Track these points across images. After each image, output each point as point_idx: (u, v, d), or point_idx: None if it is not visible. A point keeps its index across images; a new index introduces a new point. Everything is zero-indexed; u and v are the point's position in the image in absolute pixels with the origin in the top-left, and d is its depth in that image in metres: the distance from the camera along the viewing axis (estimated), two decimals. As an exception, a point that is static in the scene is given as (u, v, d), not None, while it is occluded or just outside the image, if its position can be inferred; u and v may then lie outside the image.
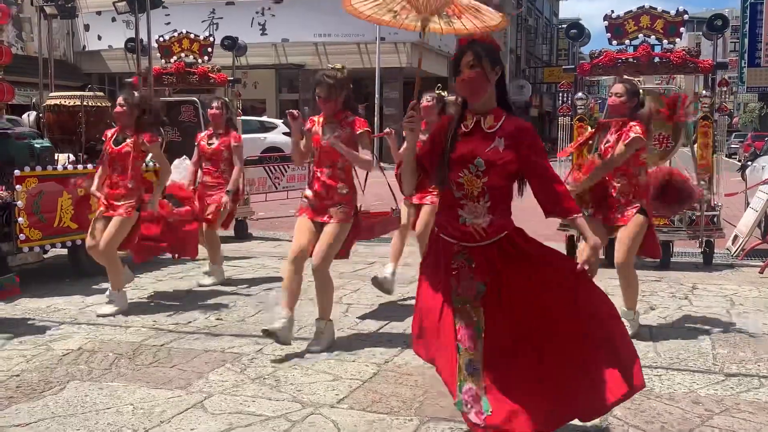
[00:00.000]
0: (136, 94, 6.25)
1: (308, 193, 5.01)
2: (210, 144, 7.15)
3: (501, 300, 3.20)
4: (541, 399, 3.14)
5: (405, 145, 3.39)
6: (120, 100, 6.04)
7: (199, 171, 7.27)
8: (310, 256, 4.89)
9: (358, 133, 4.91)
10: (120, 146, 5.99)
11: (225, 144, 7.11)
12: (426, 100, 6.13)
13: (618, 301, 5.65)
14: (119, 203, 5.95)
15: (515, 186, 3.31)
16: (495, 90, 3.27)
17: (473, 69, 3.20)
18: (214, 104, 7.26)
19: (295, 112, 4.91)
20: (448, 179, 3.27)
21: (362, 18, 3.97)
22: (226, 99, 8.14)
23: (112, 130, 6.20)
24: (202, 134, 7.36)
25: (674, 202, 5.74)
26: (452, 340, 3.25)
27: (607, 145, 5.27)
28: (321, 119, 5.02)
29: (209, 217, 6.91)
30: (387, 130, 6.19)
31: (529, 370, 3.17)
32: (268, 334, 4.69)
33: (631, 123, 5.11)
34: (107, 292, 6.04)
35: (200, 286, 7.02)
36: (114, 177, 6.01)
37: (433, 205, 5.91)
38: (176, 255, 6.69)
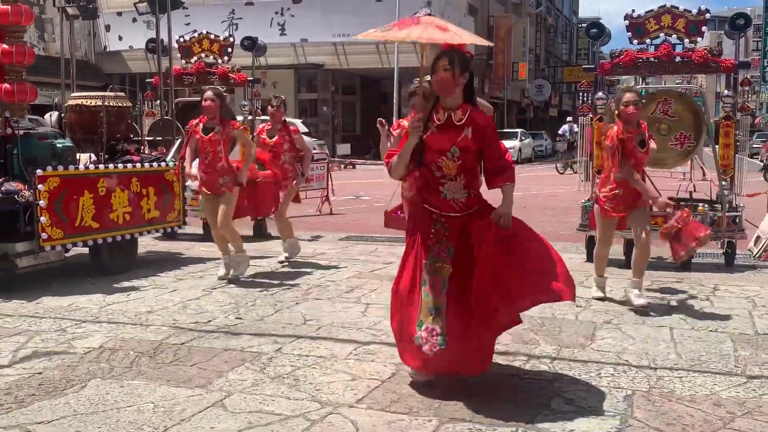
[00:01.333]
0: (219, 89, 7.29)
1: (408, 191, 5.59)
2: (271, 137, 7.76)
3: (462, 260, 4.00)
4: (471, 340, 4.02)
5: (408, 142, 4.07)
6: (210, 94, 6.87)
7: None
8: None
9: None
10: (210, 134, 6.86)
11: (285, 137, 7.73)
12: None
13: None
14: (221, 182, 6.88)
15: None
16: (463, 90, 4.02)
17: (446, 71, 3.94)
18: (274, 102, 7.83)
19: (383, 120, 5.43)
20: (426, 162, 4.05)
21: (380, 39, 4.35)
22: (283, 97, 8.43)
23: (196, 121, 7.00)
24: (260, 127, 8.00)
25: None
26: (416, 295, 4.01)
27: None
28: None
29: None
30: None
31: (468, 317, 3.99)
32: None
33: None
34: (233, 254, 7.15)
35: (280, 263, 7.97)
36: (207, 161, 6.88)
37: None
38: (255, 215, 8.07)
